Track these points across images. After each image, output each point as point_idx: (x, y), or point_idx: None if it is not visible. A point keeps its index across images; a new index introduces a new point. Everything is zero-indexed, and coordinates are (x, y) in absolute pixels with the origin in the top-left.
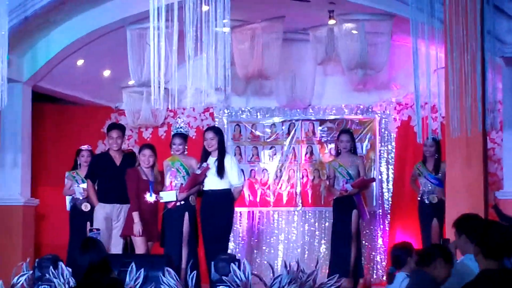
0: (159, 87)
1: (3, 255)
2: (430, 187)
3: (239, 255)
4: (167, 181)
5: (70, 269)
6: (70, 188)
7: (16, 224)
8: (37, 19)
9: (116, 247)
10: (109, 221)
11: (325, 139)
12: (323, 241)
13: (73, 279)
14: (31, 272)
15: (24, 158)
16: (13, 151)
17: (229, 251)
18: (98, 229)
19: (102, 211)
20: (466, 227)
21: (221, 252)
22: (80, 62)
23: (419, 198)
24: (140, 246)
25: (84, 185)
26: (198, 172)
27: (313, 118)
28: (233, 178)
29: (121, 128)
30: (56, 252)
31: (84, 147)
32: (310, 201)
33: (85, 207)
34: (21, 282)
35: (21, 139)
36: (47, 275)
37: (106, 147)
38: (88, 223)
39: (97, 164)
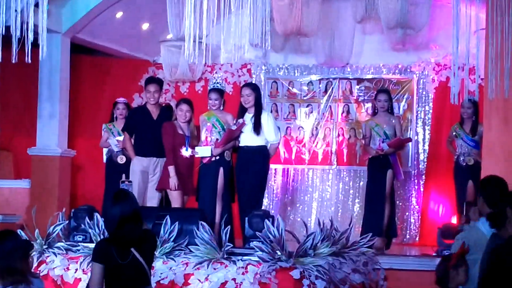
0: (195, 41)
1: (39, 204)
2: (466, 149)
3: (272, 211)
4: (203, 136)
5: None
6: (107, 140)
7: (53, 174)
8: None
9: (151, 200)
10: (146, 175)
11: (362, 98)
12: (357, 200)
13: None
14: (66, 222)
15: (61, 109)
16: (51, 102)
17: (263, 207)
18: (130, 181)
19: (138, 164)
20: (485, 189)
21: (255, 207)
22: (119, 15)
23: (455, 160)
24: (176, 199)
25: (120, 138)
26: (234, 127)
27: (350, 77)
28: (269, 134)
29: (159, 82)
30: (91, 203)
31: (121, 99)
32: (345, 160)
33: (121, 159)
34: (56, 232)
35: (59, 90)
36: (82, 225)
37: (143, 100)
38: (123, 175)
39: (134, 118)
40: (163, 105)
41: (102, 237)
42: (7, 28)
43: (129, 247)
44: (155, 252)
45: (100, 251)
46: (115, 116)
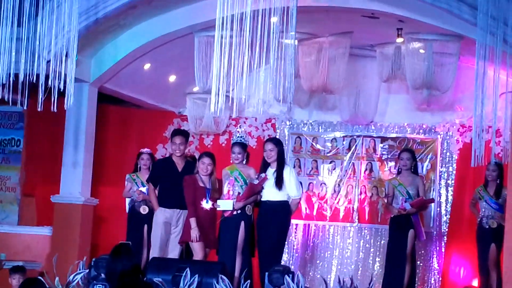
0: (221, 95)
1: (60, 252)
2: (490, 212)
3: (292, 267)
4: (225, 190)
5: None
6: (130, 190)
7: (75, 222)
8: (107, 22)
9: (173, 251)
10: (168, 226)
11: (386, 157)
12: (377, 259)
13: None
14: (87, 271)
15: (86, 157)
16: (76, 150)
17: (282, 263)
18: (128, 243)
19: (162, 215)
20: None
21: (275, 263)
22: (146, 66)
23: (478, 222)
24: (198, 251)
25: (144, 189)
26: (256, 182)
27: (374, 135)
28: (291, 190)
29: (185, 135)
30: None
31: (145, 150)
32: (367, 217)
33: (144, 210)
34: (76, 280)
35: (84, 139)
36: (102, 274)
37: (167, 151)
38: (146, 225)
39: (159, 169)
40: (188, 157)
41: None
42: (35, 76)
43: None
44: None
45: None
46: (139, 166)
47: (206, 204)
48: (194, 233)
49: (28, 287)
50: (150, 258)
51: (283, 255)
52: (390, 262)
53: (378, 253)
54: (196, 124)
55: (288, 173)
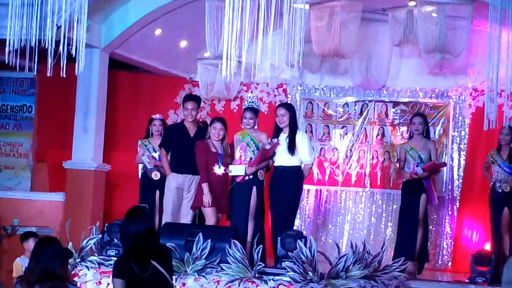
0: (232, 60)
1: (73, 218)
2: (503, 176)
3: (304, 232)
4: (237, 155)
5: None
6: (142, 156)
7: (87, 188)
8: None
9: (185, 217)
10: (180, 191)
11: (398, 121)
12: (389, 224)
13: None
14: (100, 236)
15: (98, 123)
16: (87, 116)
17: (295, 227)
18: (145, 206)
19: (174, 181)
20: None
21: (287, 228)
22: (157, 32)
23: (491, 186)
24: (210, 216)
25: (156, 154)
26: (268, 147)
27: (386, 100)
28: (303, 155)
29: (197, 100)
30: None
31: (157, 116)
32: (378, 182)
33: (155, 175)
34: (90, 245)
35: (96, 105)
36: (115, 240)
37: (178, 117)
38: (157, 191)
39: (171, 134)
40: (200, 122)
41: None
42: (46, 42)
43: (148, 260)
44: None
45: (119, 266)
46: (151, 132)
47: (218, 170)
48: (207, 198)
49: (45, 244)
50: (162, 223)
51: (295, 220)
52: (402, 227)
53: (390, 218)
54: (207, 90)
55: (301, 138)
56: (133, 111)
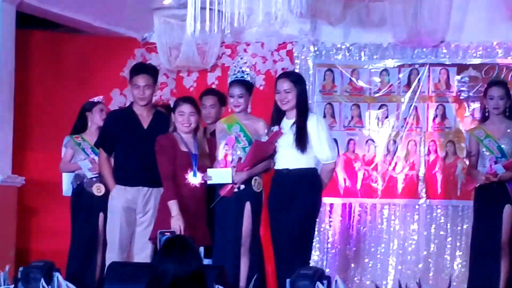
0: (205, 8)
1: None
2: None
3: (327, 270)
4: (221, 154)
5: (70, 285)
6: (72, 160)
7: None
8: None
9: (141, 252)
10: (131, 213)
11: (466, 95)
12: (457, 252)
13: None
14: (11, 287)
15: (2, 110)
16: None
17: (312, 263)
18: (173, 232)
19: (120, 197)
20: None
21: (300, 264)
22: None
23: None
24: None
25: (96, 157)
26: (264, 139)
27: (447, 62)
28: (321, 151)
29: (151, 72)
30: (49, 258)
31: (95, 99)
32: (439, 190)
33: (98, 190)
34: None
35: None
36: None
37: (126, 99)
38: (101, 214)
39: (114, 126)
40: (160, 106)
41: None
42: None
43: None
44: None
45: None
46: (88, 123)
47: (194, 178)
48: (177, 223)
49: None
50: (107, 262)
51: (312, 252)
52: (477, 255)
53: (458, 243)
54: (171, 56)
55: (315, 126)
56: (56, 92)
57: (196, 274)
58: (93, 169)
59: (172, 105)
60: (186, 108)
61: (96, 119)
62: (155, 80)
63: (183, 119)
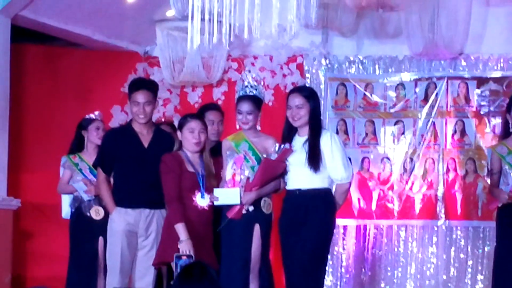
0: (211, 20)
1: None
2: None
3: None
4: (228, 173)
5: None
6: (70, 182)
7: None
8: None
9: (143, 279)
10: (133, 237)
11: (486, 110)
12: (479, 276)
13: None
14: None
15: None
16: None
17: None
18: (190, 255)
19: (121, 220)
20: None
21: None
22: None
23: None
24: None
25: (93, 178)
26: (274, 157)
27: (466, 75)
28: (334, 170)
29: (151, 87)
30: (47, 284)
31: (91, 116)
32: (459, 210)
33: (96, 213)
34: None
35: None
36: None
37: (128, 117)
38: (100, 238)
39: (113, 145)
40: (163, 124)
41: None
42: None
43: None
44: None
45: None
46: (85, 142)
47: (202, 201)
48: (186, 248)
49: None
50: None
51: (325, 276)
52: (500, 280)
53: (479, 266)
54: (174, 71)
55: (329, 143)
56: (53, 109)
57: None
58: (90, 191)
59: (177, 122)
60: (196, 124)
61: (92, 138)
62: (155, 96)
63: (193, 137)
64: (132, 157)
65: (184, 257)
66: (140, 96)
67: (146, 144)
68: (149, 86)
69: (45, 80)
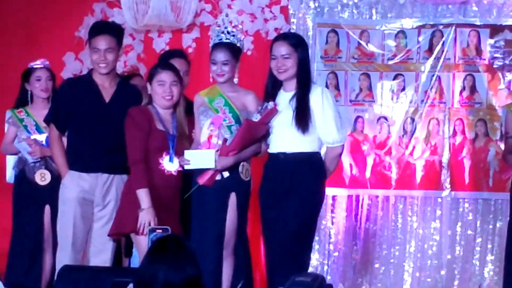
0: None
1: None
2: None
3: (329, 277)
4: (204, 134)
5: None
6: (15, 141)
7: None
8: None
9: (100, 254)
10: (88, 206)
11: (500, 63)
12: (489, 256)
13: None
14: None
15: None
16: None
17: (310, 269)
18: (165, 228)
19: (74, 186)
20: None
21: (296, 269)
22: None
23: None
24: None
25: (42, 136)
26: (257, 118)
27: (478, 23)
28: (326, 131)
29: (115, 32)
30: None
31: (38, 63)
32: (467, 180)
33: (41, 177)
34: None
35: None
36: None
37: (83, 66)
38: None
39: (69, 98)
40: (125, 74)
41: None
42: None
43: None
44: None
45: None
46: (29, 94)
47: (170, 164)
48: (147, 217)
49: None
50: (57, 265)
51: (311, 254)
52: None
53: (489, 245)
54: (138, 13)
55: (320, 100)
56: None
57: (192, 280)
58: (34, 152)
59: (141, 75)
60: (167, 76)
61: (34, 90)
62: (119, 42)
63: (163, 90)
64: (90, 112)
65: (159, 231)
66: (101, 42)
67: (107, 99)
68: (112, 31)
69: None
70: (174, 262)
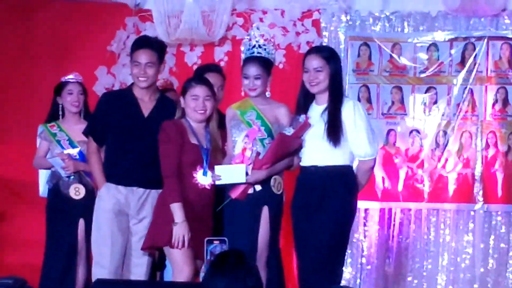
0: None
1: None
2: None
3: None
4: (238, 147)
5: None
6: (48, 155)
7: None
8: None
9: (136, 267)
10: (124, 219)
11: None
12: None
13: None
14: None
15: None
16: None
17: (343, 282)
18: (223, 239)
19: (110, 198)
20: None
21: (328, 282)
22: None
23: None
24: (182, 266)
25: (74, 150)
26: (290, 132)
27: (510, 35)
28: (357, 145)
29: (156, 47)
30: (21, 273)
31: (70, 77)
32: (500, 192)
33: (76, 191)
34: None
35: None
36: None
37: (115, 80)
38: (81, 220)
39: (108, 111)
40: (166, 91)
41: None
42: None
43: None
44: None
45: None
46: (60, 109)
47: (203, 178)
48: (181, 232)
49: None
50: (93, 278)
51: (344, 266)
52: None
53: None
54: (169, 27)
55: (352, 113)
56: (26, 71)
57: None
58: (68, 167)
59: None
60: (200, 90)
61: (66, 104)
62: (161, 57)
63: (196, 105)
64: (128, 126)
65: (216, 242)
66: (142, 56)
67: (146, 113)
68: (154, 46)
69: (17, 37)
70: (235, 275)
